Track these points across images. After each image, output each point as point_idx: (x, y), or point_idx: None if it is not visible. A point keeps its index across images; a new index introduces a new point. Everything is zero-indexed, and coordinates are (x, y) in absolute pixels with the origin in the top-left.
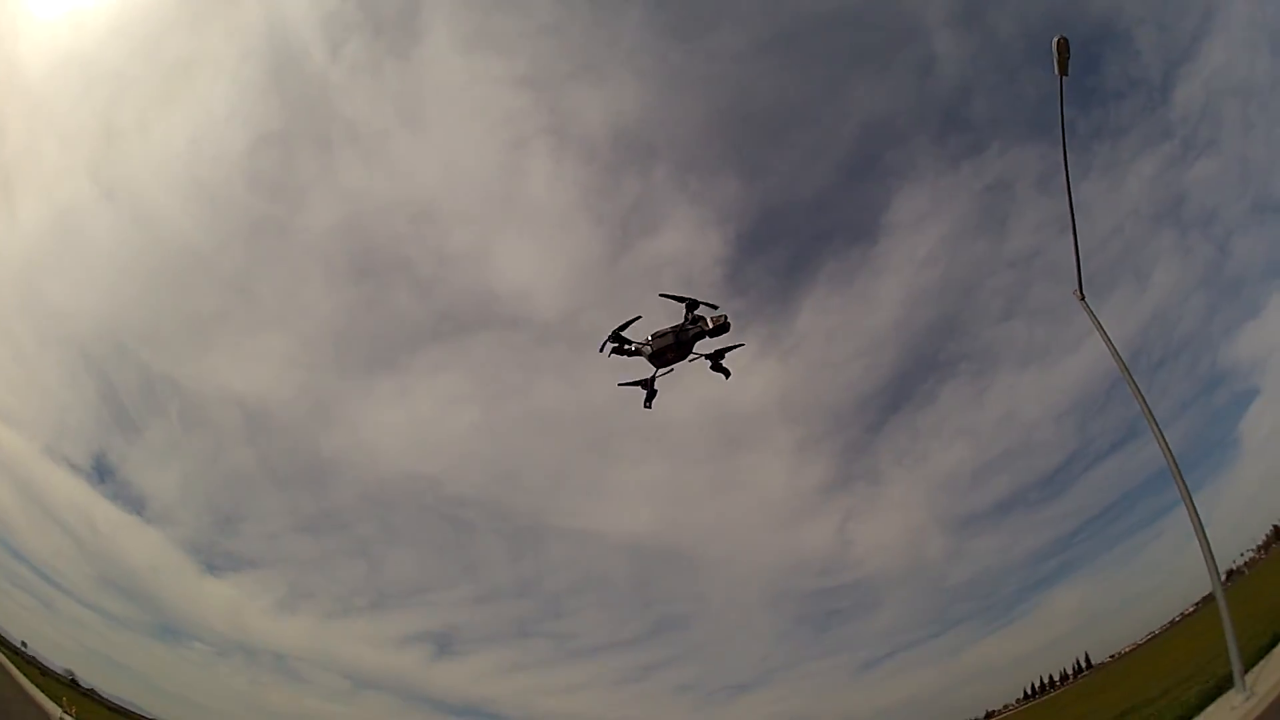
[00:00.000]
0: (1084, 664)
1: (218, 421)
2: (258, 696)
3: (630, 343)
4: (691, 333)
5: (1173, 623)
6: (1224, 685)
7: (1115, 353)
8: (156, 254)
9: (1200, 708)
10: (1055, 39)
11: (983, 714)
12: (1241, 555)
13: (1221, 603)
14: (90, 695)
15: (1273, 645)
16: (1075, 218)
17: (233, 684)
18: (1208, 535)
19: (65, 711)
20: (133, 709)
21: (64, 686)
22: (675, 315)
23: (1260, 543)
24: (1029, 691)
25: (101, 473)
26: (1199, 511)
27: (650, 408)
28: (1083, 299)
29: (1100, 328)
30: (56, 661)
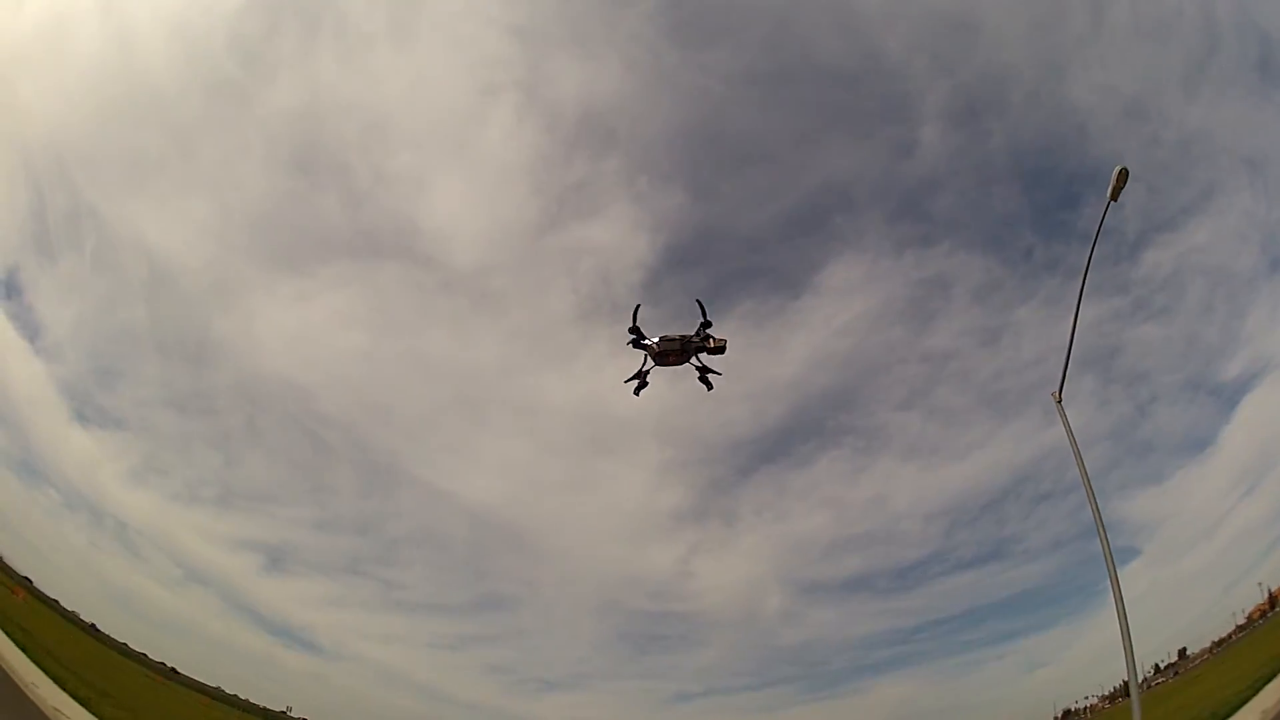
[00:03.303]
0: None
1: (125, 269)
2: (93, 559)
3: (645, 337)
4: (695, 345)
5: None
6: None
7: (1079, 456)
8: (125, 82)
9: None
10: (1118, 169)
11: None
12: (1086, 699)
13: (1135, 702)
14: None
15: None
16: (1076, 327)
17: (73, 539)
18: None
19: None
20: None
21: None
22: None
23: (1106, 693)
24: None
25: (10, 289)
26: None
27: (638, 396)
28: (1059, 402)
29: (1069, 430)
30: None
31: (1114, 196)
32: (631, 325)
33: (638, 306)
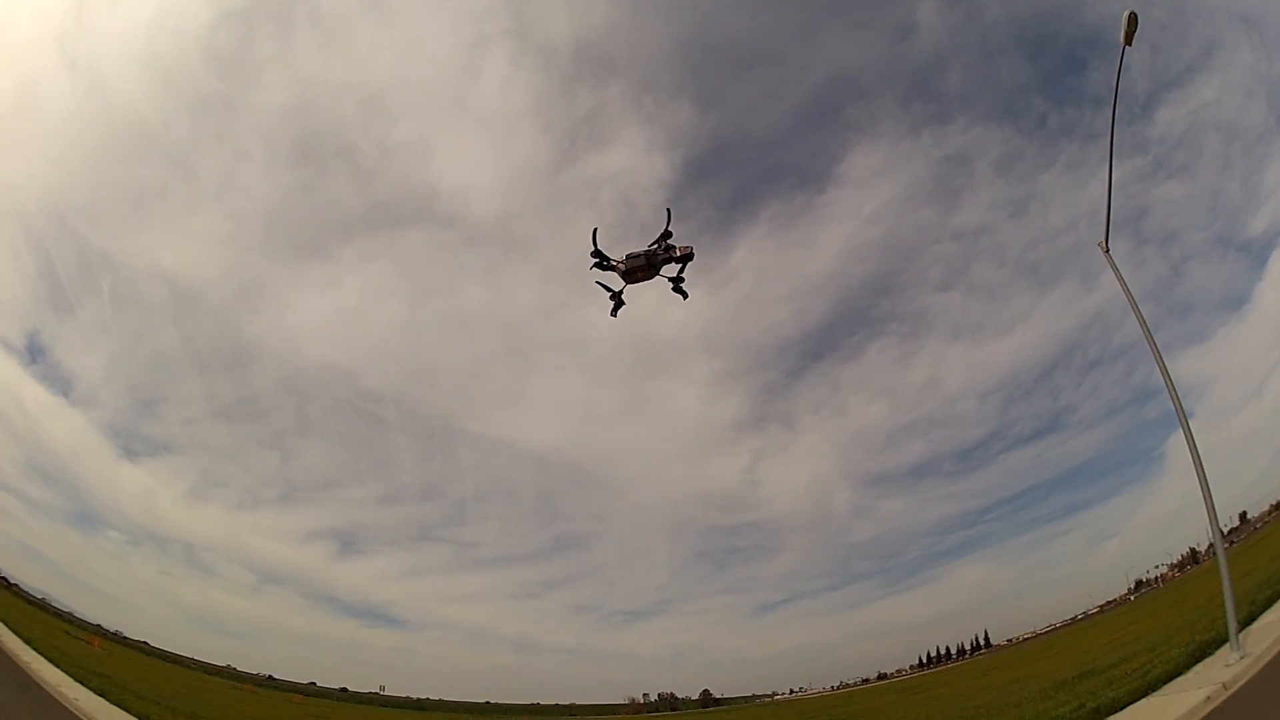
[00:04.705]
0: (983, 642)
1: (147, 300)
2: (166, 588)
3: (608, 259)
4: (661, 257)
5: (1074, 620)
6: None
7: (1136, 308)
8: (107, 126)
9: (1188, 666)
10: (1126, 14)
11: (874, 674)
12: (1156, 568)
13: (1221, 557)
14: (13, 589)
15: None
16: (1112, 175)
17: (142, 574)
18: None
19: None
20: (52, 602)
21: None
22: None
23: (1175, 561)
24: (924, 659)
25: (34, 353)
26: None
27: (615, 316)
28: (1107, 252)
29: (1121, 279)
30: None
31: (1128, 41)
32: (594, 249)
33: (595, 230)
